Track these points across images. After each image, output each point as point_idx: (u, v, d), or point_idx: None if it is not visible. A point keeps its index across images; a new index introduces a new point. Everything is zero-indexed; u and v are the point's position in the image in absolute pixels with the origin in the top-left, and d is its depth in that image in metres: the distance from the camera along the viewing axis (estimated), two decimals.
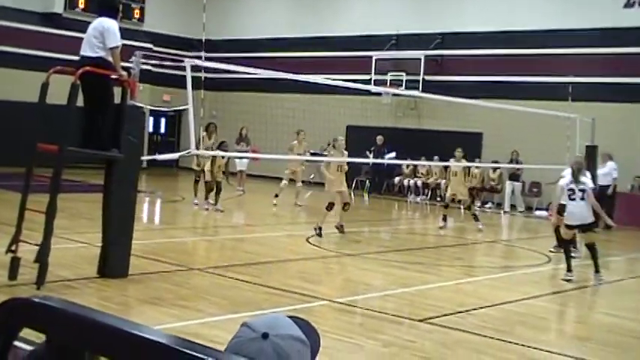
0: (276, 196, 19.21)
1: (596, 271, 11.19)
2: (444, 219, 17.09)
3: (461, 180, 17.34)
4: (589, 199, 11.01)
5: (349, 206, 14.72)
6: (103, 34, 9.05)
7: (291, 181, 19.73)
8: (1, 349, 0.98)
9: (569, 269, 11.10)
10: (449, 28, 24.73)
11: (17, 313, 0.97)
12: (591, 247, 11.26)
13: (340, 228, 14.54)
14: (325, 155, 18.22)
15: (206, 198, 16.95)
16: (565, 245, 11.53)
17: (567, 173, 11.60)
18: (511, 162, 21.81)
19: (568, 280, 11.01)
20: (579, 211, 11.02)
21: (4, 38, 24.18)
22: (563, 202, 11.43)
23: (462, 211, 18.57)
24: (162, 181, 19.09)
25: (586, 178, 11.31)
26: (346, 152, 15.08)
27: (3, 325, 0.97)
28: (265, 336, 1.48)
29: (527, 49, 22.99)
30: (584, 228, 11.20)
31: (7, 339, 0.98)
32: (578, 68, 21.66)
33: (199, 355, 0.80)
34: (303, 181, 20.79)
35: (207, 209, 17.00)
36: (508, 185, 22.62)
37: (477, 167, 22.91)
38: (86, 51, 9.17)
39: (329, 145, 20.15)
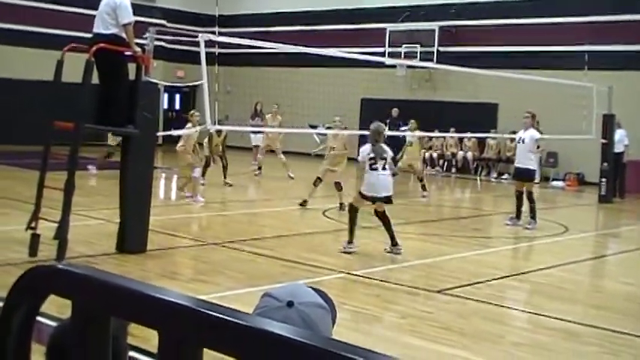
0: (259, 168, 19.48)
1: (393, 244, 10.25)
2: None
3: (416, 149, 17.55)
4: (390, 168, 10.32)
5: (339, 187, 14.40)
6: (115, 10, 9.06)
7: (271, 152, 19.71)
8: (27, 315, 1.01)
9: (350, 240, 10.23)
10: None
11: (42, 280, 1.00)
12: (383, 216, 10.29)
13: (341, 206, 14.26)
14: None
15: (203, 174, 17.00)
16: (351, 214, 10.41)
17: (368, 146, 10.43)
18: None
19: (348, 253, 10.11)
20: (382, 182, 10.09)
21: (19, 17, 24.23)
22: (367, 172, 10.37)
23: (414, 178, 18.42)
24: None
25: (387, 147, 10.37)
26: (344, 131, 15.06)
27: (29, 291, 1.00)
28: (290, 304, 1.51)
29: (542, 18, 22.78)
30: (384, 199, 10.19)
31: (33, 305, 1.01)
32: (594, 36, 21.46)
33: (224, 317, 0.83)
34: (319, 155, 20.75)
35: (202, 184, 17.18)
36: None
37: (492, 138, 22.83)
38: (99, 28, 9.18)
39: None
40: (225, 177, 17.19)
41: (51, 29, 24.19)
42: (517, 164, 13.58)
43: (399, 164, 16.97)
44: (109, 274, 0.95)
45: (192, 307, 0.85)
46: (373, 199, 10.18)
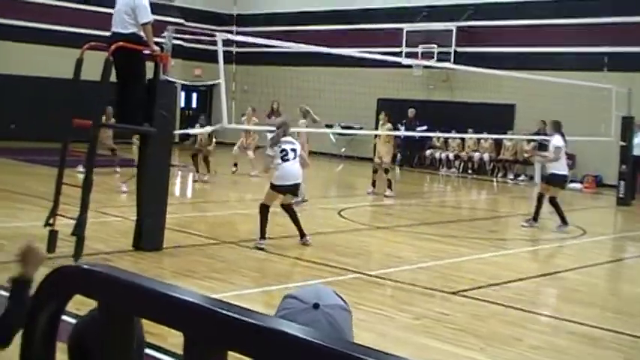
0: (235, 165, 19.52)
1: (301, 235, 10.45)
2: (373, 184, 16.92)
3: (383, 142, 16.88)
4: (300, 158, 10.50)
5: None
6: (134, 10, 9.09)
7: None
8: (53, 315, 1.01)
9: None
10: None
11: (68, 280, 1.00)
12: (289, 209, 10.53)
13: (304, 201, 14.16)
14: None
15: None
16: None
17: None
18: (539, 133, 21.52)
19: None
20: (295, 171, 10.34)
21: (38, 15, 24.38)
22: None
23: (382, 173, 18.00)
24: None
25: (293, 138, 10.69)
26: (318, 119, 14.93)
27: (55, 291, 1.00)
28: (316, 306, 1.51)
29: (561, 19, 22.64)
30: (295, 189, 10.64)
31: (58, 305, 1.01)
32: (615, 38, 21.31)
33: (250, 320, 0.82)
34: (335, 155, 20.74)
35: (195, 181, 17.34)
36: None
37: (509, 139, 22.73)
38: (117, 27, 9.20)
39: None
40: (208, 171, 17.39)
41: (70, 27, 24.32)
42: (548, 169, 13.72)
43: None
44: (134, 275, 0.95)
45: (218, 309, 0.85)
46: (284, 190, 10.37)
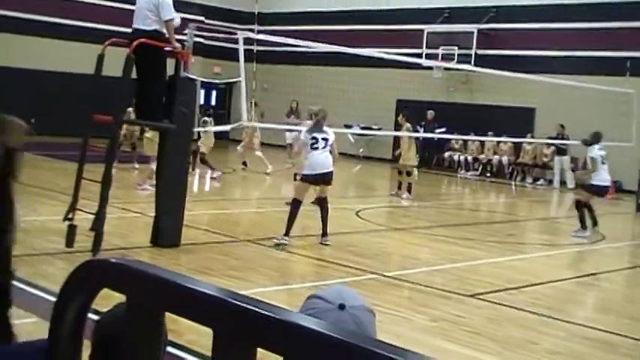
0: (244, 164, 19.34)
1: (323, 234, 10.36)
2: (399, 187, 16.66)
3: (405, 145, 16.51)
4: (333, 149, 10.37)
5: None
6: (157, 7, 9.12)
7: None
8: (80, 309, 1.01)
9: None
10: (502, 1, 24.33)
11: (95, 274, 1.00)
12: (323, 202, 10.41)
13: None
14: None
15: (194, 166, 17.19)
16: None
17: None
18: (557, 136, 21.40)
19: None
20: (323, 160, 10.21)
21: (60, 10, 24.54)
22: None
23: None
24: (213, 153, 19.25)
25: (328, 129, 10.52)
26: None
27: (83, 285, 1.01)
28: (342, 307, 1.51)
29: (583, 23, 22.49)
30: (325, 179, 10.31)
31: (86, 299, 1.01)
32: (637, 42, 21.14)
33: (280, 317, 0.82)
34: (353, 155, 20.71)
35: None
36: (556, 161, 22.20)
37: (528, 143, 22.62)
38: (139, 24, 9.23)
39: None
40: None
41: (90, 23, 24.46)
42: None
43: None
44: (162, 270, 0.95)
45: (248, 306, 0.85)
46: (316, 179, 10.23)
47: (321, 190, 10.49)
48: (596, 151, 13.28)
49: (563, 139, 21.11)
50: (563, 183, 22.10)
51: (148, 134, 14.34)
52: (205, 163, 17.42)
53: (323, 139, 10.22)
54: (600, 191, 13.43)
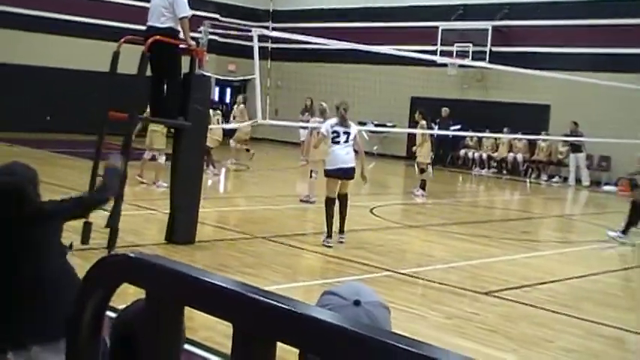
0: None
1: (340, 231, 10.27)
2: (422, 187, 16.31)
3: (420, 143, 16.25)
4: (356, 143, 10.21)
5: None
6: (172, 4, 9.13)
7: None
8: (100, 304, 1.02)
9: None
10: None
11: (115, 269, 1.01)
12: (343, 199, 10.28)
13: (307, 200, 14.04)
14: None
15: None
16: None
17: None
18: (571, 134, 21.27)
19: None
20: (344, 155, 10.05)
21: (74, 8, 24.64)
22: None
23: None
24: (227, 150, 19.31)
25: (352, 122, 10.39)
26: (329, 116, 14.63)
27: (102, 279, 1.01)
28: (357, 303, 1.51)
29: (598, 19, 22.36)
30: (346, 174, 10.14)
31: (105, 294, 1.02)
32: None
33: (300, 311, 0.82)
34: (367, 153, 20.64)
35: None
36: (572, 157, 22.07)
37: (543, 140, 22.52)
38: (154, 21, 9.24)
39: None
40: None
41: (102, 20, 24.54)
42: None
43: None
44: (182, 265, 0.95)
45: (269, 300, 0.85)
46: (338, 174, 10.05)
47: (342, 187, 10.28)
48: None
49: (576, 136, 21.00)
50: (578, 180, 21.99)
51: (157, 127, 14.20)
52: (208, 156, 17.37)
53: (345, 132, 10.04)
54: None
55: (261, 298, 0.85)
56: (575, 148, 21.77)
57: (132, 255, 0.98)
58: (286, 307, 0.83)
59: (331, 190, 10.22)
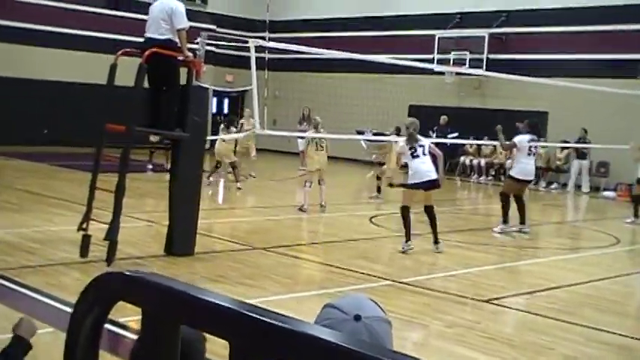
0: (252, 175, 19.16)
1: (435, 241, 10.84)
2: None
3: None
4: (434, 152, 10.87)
5: (324, 184, 14.53)
6: (171, 16, 9.13)
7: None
8: (96, 322, 1.01)
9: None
10: (513, 5, 24.28)
11: (111, 287, 1.00)
12: (430, 210, 10.81)
13: (305, 209, 14.29)
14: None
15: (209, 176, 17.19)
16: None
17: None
18: (579, 140, 21.25)
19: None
20: (425, 168, 10.64)
21: (71, 21, 24.67)
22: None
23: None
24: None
25: (422, 138, 11.09)
26: (323, 131, 14.92)
27: (97, 297, 1.00)
28: (357, 318, 1.49)
29: (595, 26, 22.40)
30: (430, 186, 10.72)
31: (101, 311, 1.01)
32: None
33: (299, 330, 0.81)
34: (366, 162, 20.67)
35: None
36: (575, 164, 22.06)
37: (542, 147, 22.51)
38: (153, 33, 9.24)
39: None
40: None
41: (99, 33, 24.55)
42: None
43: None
44: (178, 282, 0.94)
45: (266, 319, 0.84)
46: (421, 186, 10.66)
47: (427, 198, 10.83)
48: None
49: (584, 143, 20.95)
50: (577, 187, 21.98)
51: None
52: (234, 170, 17.44)
53: (420, 146, 10.72)
54: None
55: (260, 317, 0.84)
56: (581, 154, 21.77)
57: (128, 273, 0.97)
58: (285, 325, 0.82)
59: (409, 200, 10.85)
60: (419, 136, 10.92)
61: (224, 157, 17.45)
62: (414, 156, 10.69)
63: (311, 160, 14.60)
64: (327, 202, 14.59)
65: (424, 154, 10.70)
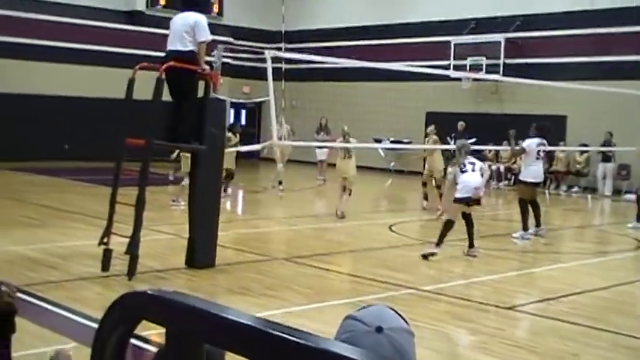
0: (280, 183, 18.77)
1: (470, 245, 11.15)
2: (425, 197, 16.58)
3: (436, 160, 16.65)
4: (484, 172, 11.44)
5: (351, 192, 14.67)
6: (194, 28, 9.17)
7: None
8: (120, 342, 1.01)
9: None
10: (529, 9, 24.19)
11: (134, 306, 1.00)
12: (469, 217, 11.20)
13: (341, 214, 14.55)
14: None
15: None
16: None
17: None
18: (605, 143, 21.10)
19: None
20: (472, 183, 11.00)
21: (90, 37, 24.88)
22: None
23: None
24: (244, 173, 19.36)
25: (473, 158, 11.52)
26: (353, 140, 15.04)
27: (122, 316, 1.00)
28: (380, 329, 1.49)
29: (612, 28, 22.26)
30: (472, 202, 11.14)
31: (125, 332, 1.01)
32: None
33: (325, 348, 0.81)
34: (384, 170, 20.61)
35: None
36: (600, 167, 21.92)
37: (562, 151, 22.38)
38: (176, 45, 9.25)
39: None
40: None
41: (121, 48, 24.75)
42: None
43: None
44: (200, 301, 0.94)
45: (289, 336, 0.84)
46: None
47: (470, 209, 11.21)
48: None
49: (609, 146, 20.80)
50: (595, 190, 21.82)
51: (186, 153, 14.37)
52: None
53: (470, 163, 11.21)
54: None
55: (281, 334, 0.84)
56: (606, 157, 21.63)
57: (151, 292, 0.97)
58: (306, 343, 0.82)
59: (454, 214, 11.15)
60: (470, 157, 11.38)
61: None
62: (462, 171, 11.11)
63: (339, 168, 14.73)
64: (347, 210, 14.59)
65: (473, 170, 11.10)
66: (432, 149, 16.41)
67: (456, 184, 11.32)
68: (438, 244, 10.80)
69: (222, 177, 16.79)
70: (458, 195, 11.07)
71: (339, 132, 15.48)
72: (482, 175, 11.24)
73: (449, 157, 18.46)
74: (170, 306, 0.93)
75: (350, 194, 14.63)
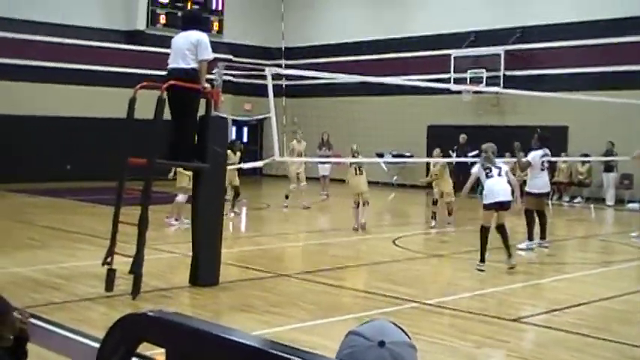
0: (287, 197, 18.89)
1: (508, 255, 11.07)
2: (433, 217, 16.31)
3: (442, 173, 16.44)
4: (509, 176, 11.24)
5: (368, 203, 15.02)
6: (197, 46, 9.19)
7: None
8: (123, 358, 1.01)
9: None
10: (528, 21, 24.25)
11: (135, 328, 1.00)
12: (502, 229, 11.10)
13: (357, 228, 14.87)
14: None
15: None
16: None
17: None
18: (607, 153, 21.09)
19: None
20: (498, 188, 10.99)
21: (92, 57, 24.96)
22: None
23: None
24: (247, 189, 19.36)
25: (499, 161, 11.49)
26: (360, 156, 15.52)
27: (123, 337, 1.01)
28: (382, 344, 1.49)
29: (611, 38, 22.30)
30: (503, 207, 11.05)
31: (126, 353, 1.01)
32: None
33: None
34: (387, 184, 20.61)
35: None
36: (604, 177, 21.89)
37: (564, 162, 22.38)
38: (178, 62, 9.26)
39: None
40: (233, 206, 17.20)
41: (122, 68, 24.83)
42: None
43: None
44: (201, 322, 0.95)
45: (291, 357, 0.84)
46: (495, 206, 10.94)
47: (499, 217, 11.12)
48: None
49: (612, 155, 20.78)
50: (597, 199, 21.79)
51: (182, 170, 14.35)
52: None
53: (496, 167, 11.10)
54: None
55: (284, 355, 0.84)
56: (608, 167, 21.63)
57: (151, 314, 0.97)
58: None
59: (487, 220, 11.13)
60: (496, 160, 11.28)
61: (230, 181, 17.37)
62: (488, 176, 11.05)
63: (351, 185, 15.13)
64: (368, 221, 15.04)
65: (499, 175, 11.03)
66: (440, 172, 16.34)
67: (481, 187, 11.39)
68: (482, 259, 10.80)
69: (232, 196, 16.94)
70: (485, 201, 11.07)
71: (346, 149, 15.70)
72: (509, 182, 11.10)
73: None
74: (170, 327, 0.94)
75: (366, 204, 14.97)
